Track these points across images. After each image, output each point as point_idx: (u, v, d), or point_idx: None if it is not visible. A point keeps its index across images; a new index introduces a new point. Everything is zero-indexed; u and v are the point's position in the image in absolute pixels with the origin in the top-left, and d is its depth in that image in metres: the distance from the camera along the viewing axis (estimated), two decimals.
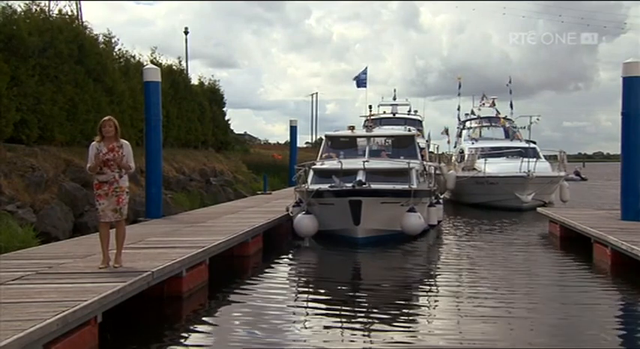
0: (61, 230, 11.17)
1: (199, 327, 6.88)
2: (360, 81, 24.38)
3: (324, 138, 17.95)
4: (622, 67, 12.65)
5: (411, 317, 7.37)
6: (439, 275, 10.32)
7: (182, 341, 6.45)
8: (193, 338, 6.48)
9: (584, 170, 50.62)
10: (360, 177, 13.02)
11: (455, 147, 31.85)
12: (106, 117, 7.40)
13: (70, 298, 5.57)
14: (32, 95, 12.85)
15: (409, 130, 19.05)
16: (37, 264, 7.45)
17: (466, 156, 26.15)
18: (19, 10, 13.74)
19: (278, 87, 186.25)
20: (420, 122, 28.42)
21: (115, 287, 6.11)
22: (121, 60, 18.73)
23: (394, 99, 30.73)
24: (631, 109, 12.48)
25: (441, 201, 17.60)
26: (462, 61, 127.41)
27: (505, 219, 18.51)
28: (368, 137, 16.52)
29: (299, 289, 9.42)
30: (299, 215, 13.34)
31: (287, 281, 9.95)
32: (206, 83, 27.44)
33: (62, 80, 14.05)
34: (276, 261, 11.55)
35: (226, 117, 29.44)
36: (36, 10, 14.59)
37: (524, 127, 27.77)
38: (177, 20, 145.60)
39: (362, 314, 7.35)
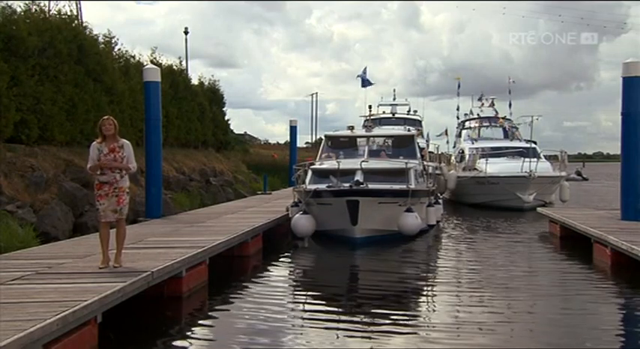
0: (61, 230, 11.17)
1: (199, 327, 6.89)
2: (365, 81, 24.38)
3: (323, 138, 17.97)
4: (622, 67, 12.65)
5: (410, 318, 7.36)
6: (438, 275, 10.32)
7: (182, 341, 6.45)
8: (193, 338, 6.48)
9: (584, 170, 50.62)
10: (358, 177, 13.02)
11: (454, 147, 31.89)
12: (105, 117, 7.43)
13: (70, 298, 5.57)
14: (32, 95, 12.85)
15: (409, 130, 19.04)
16: (37, 264, 7.45)
17: (467, 156, 26.17)
18: (18, 10, 13.75)
19: (278, 87, 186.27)
20: (420, 122, 28.48)
21: (114, 287, 6.11)
22: (121, 60, 18.73)
23: (394, 99, 30.80)
24: (631, 109, 12.48)
25: (440, 201, 17.59)
26: (462, 61, 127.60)
27: (505, 219, 18.52)
28: (367, 137, 16.54)
29: (299, 289, 9.42)
30: (296, 215, 13.35)
31: (287, 282, 9.96)
32: (206, 83, 27.45)
33: (62, 80, 14.05)
34: (276, 261, 11.54)
35: (226, 117, 29.48)
36: (36, 10, 14.57)
37: (521, 124, 27.82)
38: (177, 20, 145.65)
39: (361, 314, 7.34)
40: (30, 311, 5.15)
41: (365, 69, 24.48)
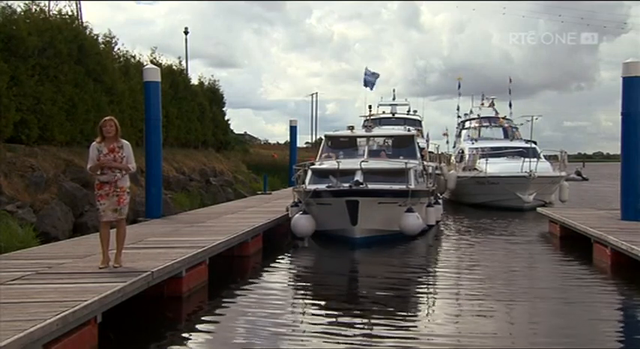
0: (61, 230, 11.17)
1: (199, 327, 6.88)
2: (369, 82, 24.20)
3: (323, 138, 17.97)
4: (622, 67, 12.65)
5: (410, 318, 7.37)
6: (438, 275, 10.32)
7: (182, 341, 6.45)
8: (193, 338, 6.48)
9: (584, 170, 50.64)
10: (358, 177, 13.03)
11: (454, 147, 31.90)
12: (106, 117, 7.42)
13: (70, 298, 5.57)
14: (32, 95, 12.85)
15: (409, 130, 19.04)
16: (37, 264, 7.45)
17: (466, 156, 26.17)
18: (18, 10, 13.74)
19: (278, 87, 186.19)
20: (420, 122, 28.48)
21: (114, 287, 6.12)
22: (121, 60, 18.74)
23: (393, 99, 30.80)
24: (631, 109, 12.49)
25: (440, 201, 17.59)
26: (462, 61, 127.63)
27: (505, 219, 18.51)
28: (367, 137, 16.54)
29: (299, 289, 9.43)
30: (296, 215, 13.36)
31: (287, 282, 9.96)
32: (206, 83, 27.44)
33: (62, 80, 14.04)
34: (276, 261, 11.54)
35: (226, 117, 29.48)
36: (36, 10, 14.57)
37: (522, 124, 27.81)
38: (177, 20, 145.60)
39: (361, 314, 7.35)
40: (30, 311, 5.15)
41: (366, 69, 24.38)
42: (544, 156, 24.36)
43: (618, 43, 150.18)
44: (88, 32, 16.54)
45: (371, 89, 24.40)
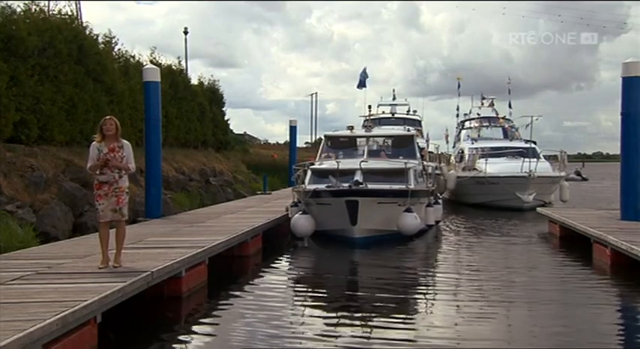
0: (61, 230, 11.17)
1: (199, 327, 6.89)
2: (361, 83, 24.21)
3: (323, 138, 17.98)
4: (622, 67, 12.66)
5: (409, 318, 7.38)
6: (437, 275, 10.32)
7: (182, 341, 6.46)
8: (193, 338, 6.49)
9: (584, 170, 50.65)
10: (358, 177, 13.03)
11: (454, 147, 31.91)
12: (107, 117, 7.43)
13: (69, 298, 5.57)
14: (32, 95, 12.85)
15: (408, 130, 19.04)
16: (36, 264, 7.45)
17: (466, 156, 26.19)
18: (18, 10, 13.73)
19: (278, 87, 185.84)
20: (419, 122, 28.51)
21: (114, 287, 6.12)
22: (121, 60, 18.74)
23: (393, 99, 30.82)
24: (631, 109, 12.50)
25: (440, 201, 17.60)
26: (462, 61, 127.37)
27: (505, 219, 18.52)
28: (367, 137, 16.54)
29: (298, 289, 9.43)
30: (296, 215, 13.36)
31: (286, 282, 9.95)
32: (206, 83, 27.44)
33: (62, 80, 14.04)
34: (276, 261, 11.55)
35: (226, 117, 29.48)
36: (35, 10, 14.56)
37: (526, 126, 27.80)
38: (177, 20, 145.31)
39: (361, 314, 7.36)
40: (30, 311, 5.16)
41: (365, 69, 24.36)
42: (544, 156, 24.37)
43: (618, 43, 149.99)
44: (87, 32, 16.54)
45: (364, 87, 24.34)
